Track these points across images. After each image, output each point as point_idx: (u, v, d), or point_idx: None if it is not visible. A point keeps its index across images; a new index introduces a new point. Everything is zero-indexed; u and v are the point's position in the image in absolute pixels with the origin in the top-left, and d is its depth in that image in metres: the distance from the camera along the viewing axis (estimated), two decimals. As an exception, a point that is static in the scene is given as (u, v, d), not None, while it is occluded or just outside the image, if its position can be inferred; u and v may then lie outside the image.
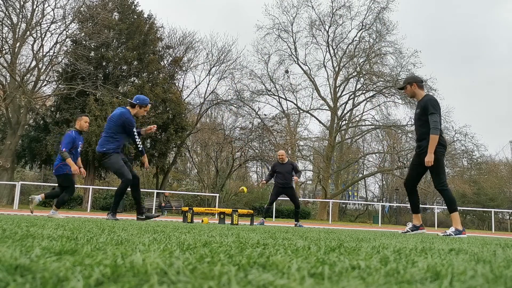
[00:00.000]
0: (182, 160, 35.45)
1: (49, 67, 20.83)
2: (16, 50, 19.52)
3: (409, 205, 5.59)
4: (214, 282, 0.68)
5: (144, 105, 5.93)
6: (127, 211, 21.73)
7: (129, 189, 6.13)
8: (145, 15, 23.54)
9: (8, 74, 19.85)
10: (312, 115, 30.92)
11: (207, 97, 27.54)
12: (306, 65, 30.07)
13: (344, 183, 36.30)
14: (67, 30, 20.43)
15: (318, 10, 32.12)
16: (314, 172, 36.16)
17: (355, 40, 29.18)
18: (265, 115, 29.87)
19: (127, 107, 5.95)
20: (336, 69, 29.76)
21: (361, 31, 28.86)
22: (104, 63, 22.03)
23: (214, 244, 1.58)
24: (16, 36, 19.55)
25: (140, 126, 20.80)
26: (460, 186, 28.25)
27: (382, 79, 28.32)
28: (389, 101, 29.13)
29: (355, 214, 37.74)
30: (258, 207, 24.58)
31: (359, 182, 39.24)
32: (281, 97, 30.53)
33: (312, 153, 34.22)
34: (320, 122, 31.32)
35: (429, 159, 4.89)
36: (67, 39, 20.76)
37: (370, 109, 30.81)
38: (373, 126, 30.12)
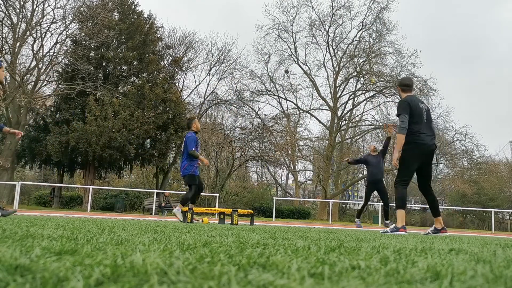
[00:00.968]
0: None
1: (49, 67, 20.83)
2: (16, 50, 19.52)
3: (408, 205, 5.60)
4: (214, 282, 0.68)
5: None
6: (127, 211, 21.74)
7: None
8: (145, 15, 23.55)
9: (8, 74, 19.84)
10: (312, 115, 30.94)
11: (207, 97, 27.56)
12: (306, 65, 30.09)
13: (344, 183, 36.30)
14: (67, 30, 20.44)
15: (318, 10, 32.13)
16: (314, 172, 36.17)
17: (355, 40, 29.19)
18: (265, 115, 29.87)
19: None
20: (336, 69, 29.76)
21: (361, 31, 28.86)
22: (104, 63, 22.03)
23: (214, 244, 1.58)
24: (16, 36, 19.55)
25: (141, 126, 20.83)
26: (460, 186, 28.25)
27: (382, 79, 28.32)
28: (389, 101, 29.13)
29: (355, 214, 37.71)
30: (258, 207, 24.60)
31: (359, 182, 39.22)
32: (281, 97, 30.55)
33: (312, 153, 34.22)
34: (320, 122, 31.34)
35: (394, 157, 5.14)
36: (67, 39, 20.77)
37: (370, 109, 30.84)
38: (373, 126, 30.12)
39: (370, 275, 0.85)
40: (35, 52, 19.78)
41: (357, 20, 30.47)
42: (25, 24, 19.57)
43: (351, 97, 30.04)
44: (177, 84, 25.93)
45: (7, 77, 20.08)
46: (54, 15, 19.70)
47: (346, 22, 29.87)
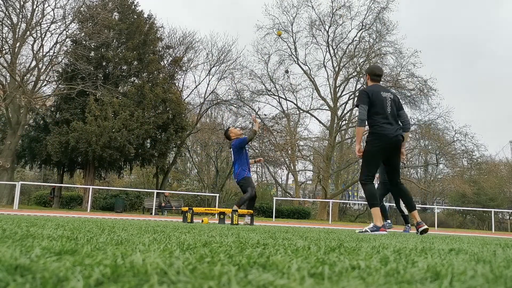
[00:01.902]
0: (182, 160, 35.45)
1: (49, 67, 20.83)
2: (16, 50, 19.52)
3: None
4: (214, 282, 0.68)
5: None
6: (127, 211, 21.73)
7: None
8: (145, 15, 23.55)
9: (8, 74, 19.85)
10: (312, 115, 30.93)
11: (207, 97, 27.55)
12: (306, 65, 30.08)
13: (344, 183, 36.30)
14: (67, 30, 20.44)
15: (318, 10, 32.09)
16: (314, 172, 36.14)
17: (355, 40, 29.18)
18: (265, 115, 29.86)
19: None
20: (336, 69, 29.76)
21: (361, 31, 28.86)
22: (104, 63, 22.03)
23: (214, 244, 1.58)
24: (16, 36, 19.55)
25: (141, 126, 20.83)
26: (460, 186, 28.24)
27: (382, 79, 28.31)
28: (389, 101, 29.13)
29: (355, 214, 37.71)
30: (258, 207, 24.58)
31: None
32: (281, 97, 30.54)
33: (312, 153, 34.21)
34: (320, 122, 31.33)
35: (356, 149, 4.95)
36: (67, 39, 20.77)
37: (370, 109, 30.82)
38: (373, 126, 30.08)
39: (370, 275, 0.85)
40: (35, 52, 19.78)
41: (357, 20, 30.47)
42: (25, 24, 19.57)
43: (351, 97, 30.04)
44: (177, 84, 25.93)
45: (7, 77, 20.10)
46: (54, 15, 19.72)
47: (346, 22, 29.79)
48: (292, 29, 29.63)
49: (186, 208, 6.80)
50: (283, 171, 39.09)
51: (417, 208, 5.18)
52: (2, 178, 19.18)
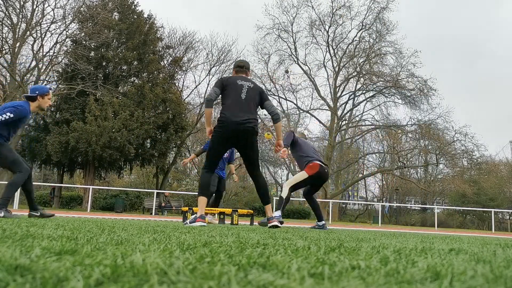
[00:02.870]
0: (182, 160, 35.44)
1: (49, 67, 20.83)
2: (16, 50, 19.52)
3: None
4: (214, 282, 0.68)
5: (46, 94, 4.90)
6: (127, 211, 21.73)
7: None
8: (145, 15, 23.56)
9: (8, 74, 19.85)
10: (312, 115, 30.92)
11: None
12: (306, 65, 30.08)
13: (344, 183, 36.30)
14: (67, 30, 20.44)
15: (318, 10, 32.09)
16: (314, 172, 36.06)
17: (355, 40, 29.17)
18: (265, 115, 29.87)
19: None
20: (336, 69, 29.75)
21: (361, 31, 28.85)
22: (104, 63, 22.03)
23: (214, 244, 1.58)
24: (16, 36, 19.55)
25: (141, 126, 20.83)
26: (460, 186, 28.22)
27: (382, 79, 28.31)
28: (389, 101, 29.15)
29: (355, 214, 37.75)
30: (258, 207, 24.57)
31: (359, 182, 39.23)
32: (281, 97, 30.54)
33: (312, 153, 34.15)
34: (320, 122, 31.31)
35: (206, 132, 4.59)
36: (67, 39, 20.77)
37: (370, 109, 30.84)
38: (373, 126, 30.11)
39: (370, 275, 0.85)
40: (35, 52, 19.78)
41: (357, 20, 30.47)
42: (25, 24, 19.57)
43: (351, 97, 30.05)
44: (177, 84, 25.94)
45: (7, 77, 20.08)
46: (54, 15, 19.72)
47: (346, 22, 29.77)
48: (292, 29, 29.64)
49: (186, 208, 6.80)
50: (283, 171, 39.14)
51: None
52: (2, 178, 19.18)
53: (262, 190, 4.65)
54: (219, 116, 4.45)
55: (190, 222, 4.30)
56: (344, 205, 38.57)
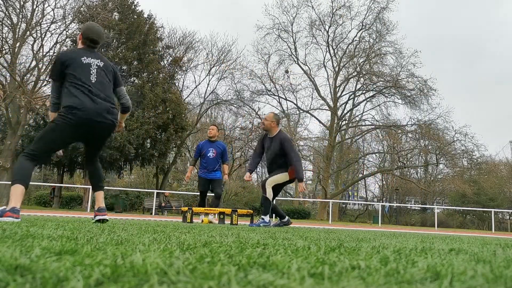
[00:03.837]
0: (182, 160, 35.45)
1: (49, 67, 20.83)
2: (16, 50, 19.52)
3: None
4: (214, 282, 0.68)
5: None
6: (127, 211, 21.73)
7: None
8: (145, 15, 23.56)
9: (8, 74, 19.85)
10: (312, 115, 30.96)
11: (207, 97, 27.57)
12: (306, 65, 30.11)
13: (344, 183, 36.30)
14: (67, 30, 20.44)
15: (318, 10, 32.12)
16: (314, 172, 36.16)
17: (355, 40, 29.21)
18: (265, 115, 29.90)
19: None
20: (336, 69, 29.77)
21: (361, 31, 28.88)
22: (104, 63, 22.03)
23: (214, 244, 1.58)
24: (16, 36, 19.54)
25: (141, 126, 20.82)
26: (460, 186, 28.25)
27: (382, 79, 28.33)
28: (389, 101, 29.18)
29: (355, 214, 37.72)
30: (258, 207, 24.56)
31: (359, 182, 39.23)
32: (281, 97, 30.58)
33: (312, 153, 34.21)
34: (320, 122, 31.35)
35: (50, 117, 3.72)
36: (67, 39, 20.77)
37: (370, 109, 30.86)
38: (373, 126, 30.13)
39: (370, 275, 0.85)
40: (35, 52, 19.78)
41: (357, 20, 30.47)
42: (25, 24, 19.57)
43: (351, 97, 30.07)
44: (177, 84, 25.95)
45: (7, 77, 20.09)
46: (54, 15, 19.71)
47: (346, 22, 29.82)
48: (292, 29, 29.66)
49: (186, 208, 6.80)
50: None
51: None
52: (2, 178, 19.18)
53: (98, 173, 4.16)
54: (63, 100, 3.57)
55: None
56: (344, 205, 38.55)
